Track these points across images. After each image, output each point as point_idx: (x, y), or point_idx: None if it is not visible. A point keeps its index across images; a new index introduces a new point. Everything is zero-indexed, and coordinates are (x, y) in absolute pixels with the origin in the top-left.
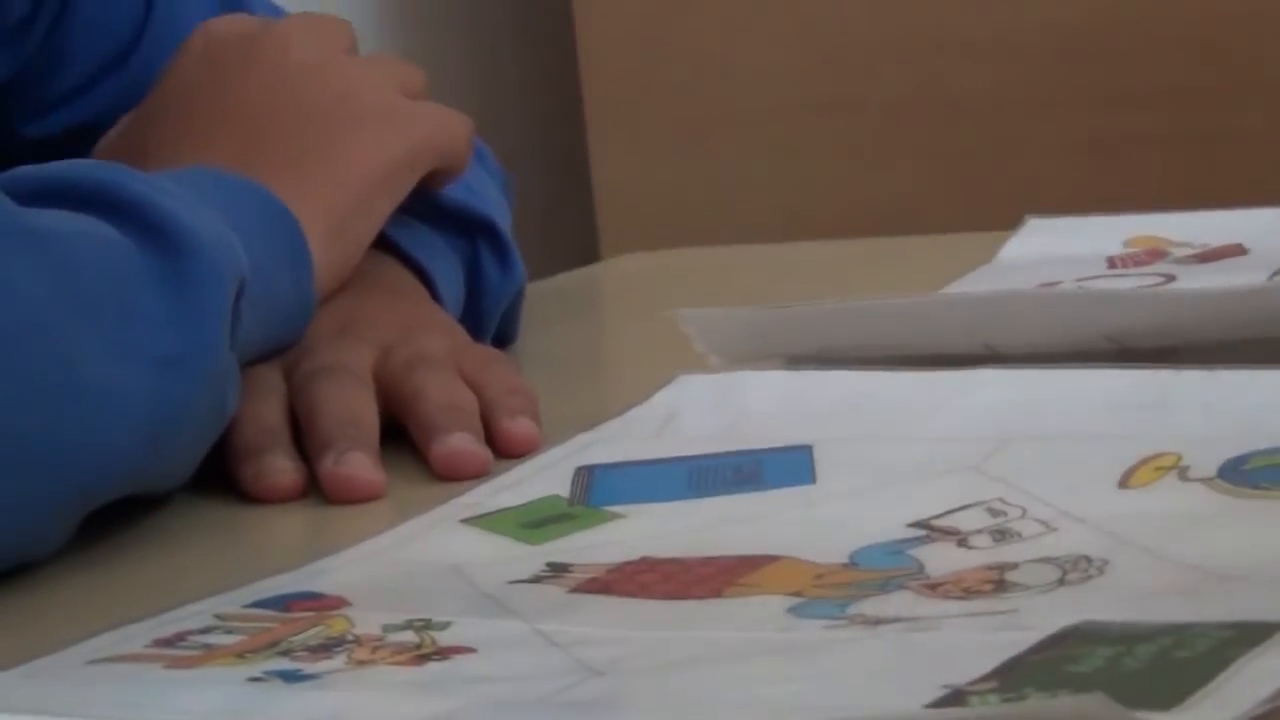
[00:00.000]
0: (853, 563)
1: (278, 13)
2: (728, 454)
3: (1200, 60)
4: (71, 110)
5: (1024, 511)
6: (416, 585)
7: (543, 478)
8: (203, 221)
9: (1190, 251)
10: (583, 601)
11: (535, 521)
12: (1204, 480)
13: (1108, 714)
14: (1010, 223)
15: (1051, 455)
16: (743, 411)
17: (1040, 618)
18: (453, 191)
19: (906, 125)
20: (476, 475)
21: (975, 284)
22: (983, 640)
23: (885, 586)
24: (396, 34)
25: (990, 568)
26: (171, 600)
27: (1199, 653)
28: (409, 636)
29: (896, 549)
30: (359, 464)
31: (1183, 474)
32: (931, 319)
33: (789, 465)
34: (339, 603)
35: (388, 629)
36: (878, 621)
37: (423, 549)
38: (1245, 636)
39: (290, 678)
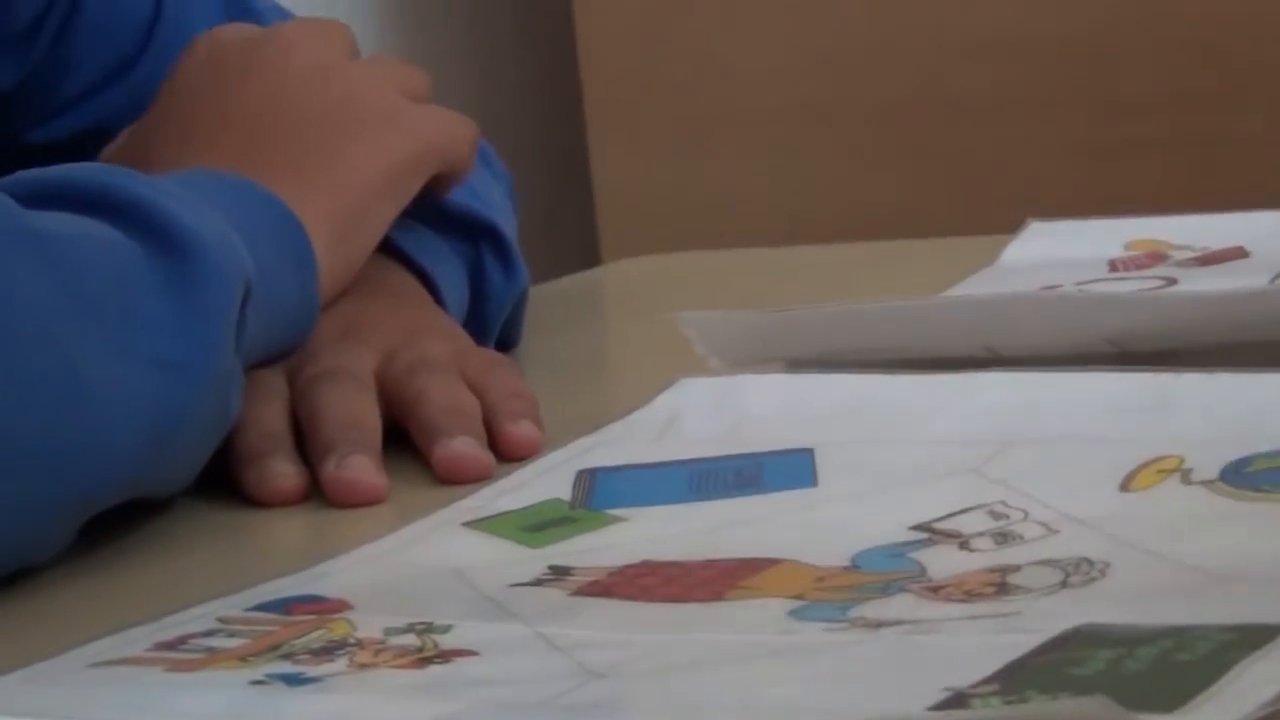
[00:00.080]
0: (854, 565)
1: (284, 17)
2: (729, 457)
3: (1201, 63)
4: (77, 116)
5: (1026, 514)
6: (418, 588)
7: (544, 481)
8: (207, 224)
9: (1191, 255)
10: (584, 604)
11: (537, 525)
12: (1205, 483)
13: (1109, 716)
14: (1011, 226)
15: (1053, 458)
16: (744, 415)
17: (1042, 620)
18: (456, 195)
19: (907, 128)
20: (478, 479)
21: (976, 287)
22: (984, 643)
23: (887, 589)
24: (397, 35)
25: (992, 570)
26: (173, 603)
27: (1200, 655)
28: (411, 639)
29: (898, 552)
30: (361, 467)
31: (1184, 477)
32: (932, 322)
33: (790, 468)
34: (341, 606)
35: (389, 632)
36: (879, 624)
37: (424, 552)
38: (1246, 639)
39: (292, 681)
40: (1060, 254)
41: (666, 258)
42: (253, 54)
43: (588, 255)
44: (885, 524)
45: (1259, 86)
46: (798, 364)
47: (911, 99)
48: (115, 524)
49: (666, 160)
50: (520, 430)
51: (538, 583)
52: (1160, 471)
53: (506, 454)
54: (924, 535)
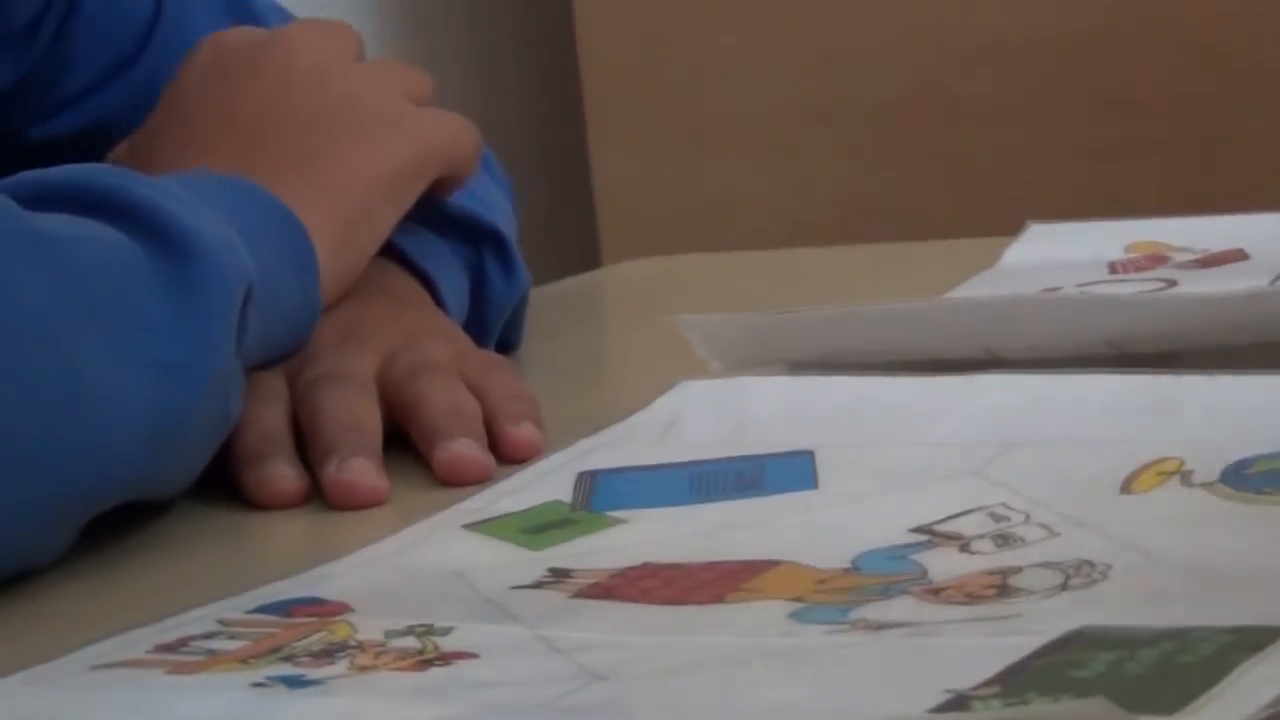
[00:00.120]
0: (855, 568)
1: (285, 17)
2: (730, 459)
3: (1201, 65)
4: (77, 113)
5: (1026, 516)
6: (419, 591)
7: (545, 483)
8: (208, 225)
9: (1191, 256)
10: (585, 607)
11: (537, 527)
12: (1206, 485)
13: (1110, 718)
14: (1012, 228)
15: (1054, 460)
16: (744, 417)
17: (1043, 622)
18: (458, 198)
19: (909, 130)
20: (479, 480)
21: (977, 289)
22: (985, 645)
23: (887, 591)
24: (397, 37)
25: (993, 573)
26: (174, 606)
27: (1201, 657)
28: (411, 642)
29: (899, 554)
30: (361, 470)
31: (1185, 479)
32: (933, 324)
33: (791, 470)
34: (341, 608)
35: (390, 634)
36: (880, 626)
37: (425, 554)
38: (1247, 641)
39: (293, 683)
40: (1060, 256)
41: (667, 260)
42: (256, 56)
43: (588, 257)
44: (886, 526)
45: (1259, 88)
46: (798, 366)
47: (913, 101)
48: (115, 526)
49: (667, 162)
50: (521, 432)
51: (538, 585)
52: (1161, 473)
53: (507, 456)
54: (925, 537)
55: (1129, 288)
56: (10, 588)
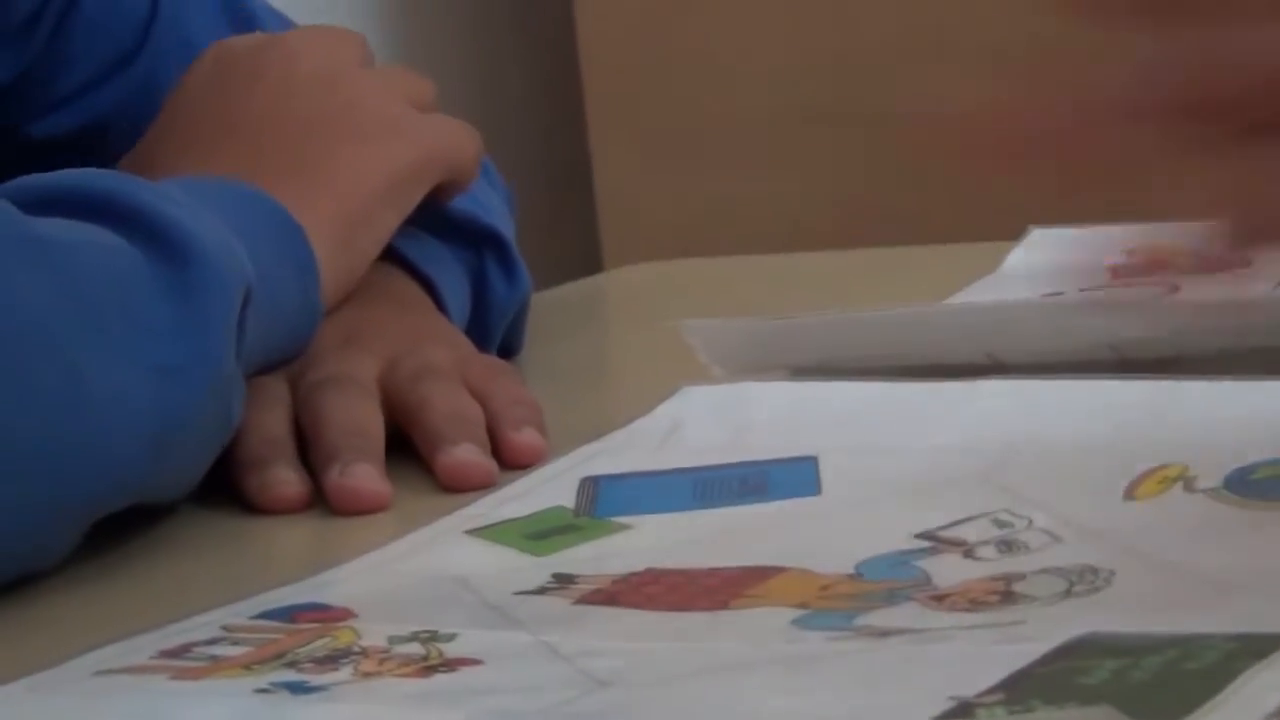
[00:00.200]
0: (858, 574)
1: (283, 20)
2: (733, 465)
3: None
4: (74, 111)
5: (1030, 522)
6: (422, 597)
7: (548, 489)
8: (208, 229)
9: (1193, 261)
10: (588, 613)
11: (540, 533)
12: (1209, 491)
13: None
14: (1013, 233)
15: (1057, 466)
16: (747, 422)
17: (1047, 629)
18: (459, 203)
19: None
20: (482, 486)
21: (978, 294)
22: (990, 652)
23: (891, 598)
24: (398, 43)
25: (996, 579)
26: (177, 611)
27: (1206, 664)
28: (415, 648)
29: (902, 560)
30: (364, 475)
31: (1188, 485)
32: (935, 329)
33: (794, 476)
34: (345, 614)
35: (394, 640)
36: (884, 633)
37: (428, 560)
38: (1251, 648)
39: (297, 689)
40: (1062, 261)
41: (668, 264)
42: (257, 61)
43: (589, 262)
44: (889, 532)
45: None
46: (801, 371)
47: (906, 97)
48: (117, 530)
49: (668, 167)
50: (523, 438)
51: (542, 591)
52: (1164, 480)
53: (510, 461)
54: (928, 543)
55: (1131, 293)
56: (12, 592)
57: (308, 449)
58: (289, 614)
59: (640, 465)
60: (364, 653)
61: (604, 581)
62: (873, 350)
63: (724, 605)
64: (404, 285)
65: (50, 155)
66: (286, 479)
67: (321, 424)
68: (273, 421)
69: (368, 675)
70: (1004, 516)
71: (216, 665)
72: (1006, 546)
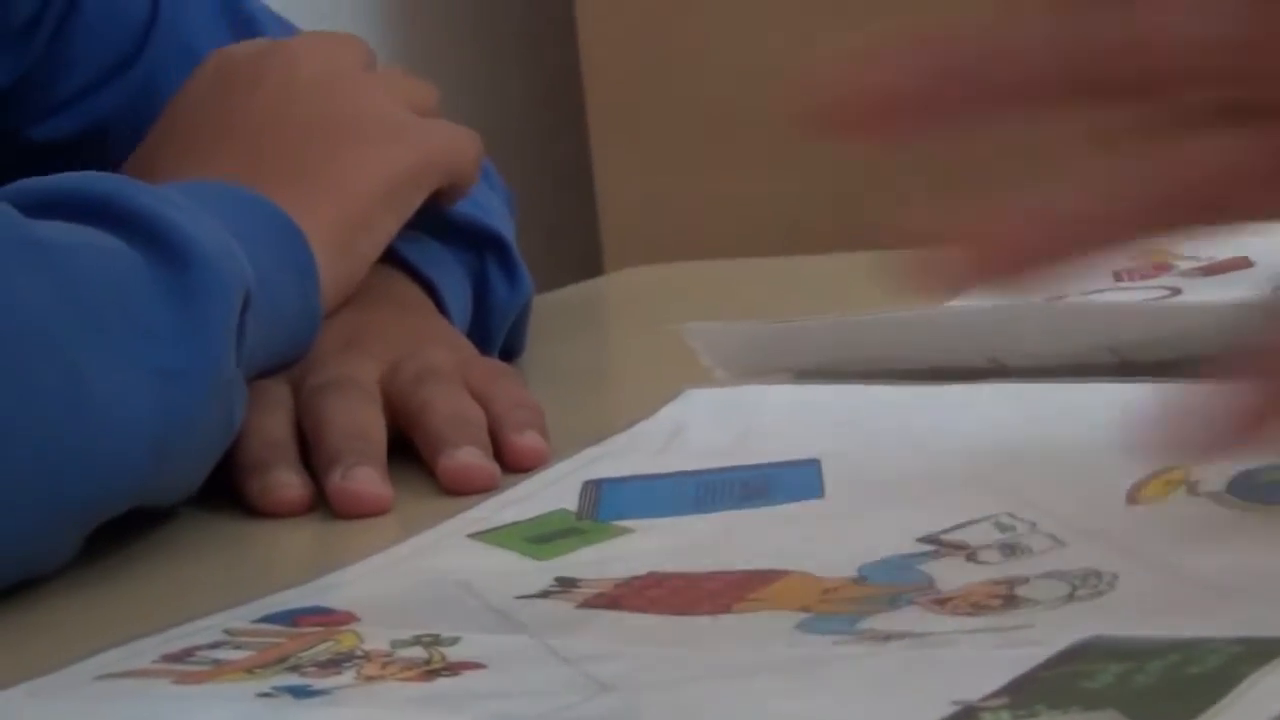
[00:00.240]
0: (862, 577)
1: (284, 24)
2: (735, 468)
3: None
4: (74, 115)
5: (1033, 526)
6: (424, 600)
7: (550, 492)
8: (208, 233)
9: (1195, 265)
10: (591, 617)
11: (543, 536)
12: (1213, 495)
13: None
14: None
15: (1060, 469)
16: (750, 426)
17: (1050, 633)
18: (460, 206)
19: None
20: (484, 489)
21: (980, 297)
22: (994, 656)
23: (894, 602)
24: (400, 47)
25: (999, 582)
26: (179, 615)
27: (1209, 669)
28: (418, 652)
29: (905, 564)
30: (366, 478)
31: (1192, 488)
32: (936, 332)
33: (797, 480)
34: (347, 618)
35: (396, 644)
36: (887, 637)
37: (430, 564)
38: (1255, 652)
39: (300, 693)
40: None
41: (669, 267)
42: (258, 66)
43: (590, 265)
44: (892, 536)
45: None
46: (803, 375)
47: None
48: (119, 534)
49: (669, 170)
50: (526, 441)
51: (544, 594)
52: (1167, 483)
53: (512, 464)
54: (931, 547)
55: (1133, 295)
56: (13, 596)
57: (309, 452)
58: (291, 618)
59: (643, 468)
60: (366, 656)
61: (607, 585)
62: (875, 353)
63: (727, 609)
64: (405, 288)
65: (50, 159)
66: (288, 482)
67: (323, 427)
68: (274, 425)
69: (370, 679)
70: (1006, 520)
71: (219, 669)
72: (1009, 550)
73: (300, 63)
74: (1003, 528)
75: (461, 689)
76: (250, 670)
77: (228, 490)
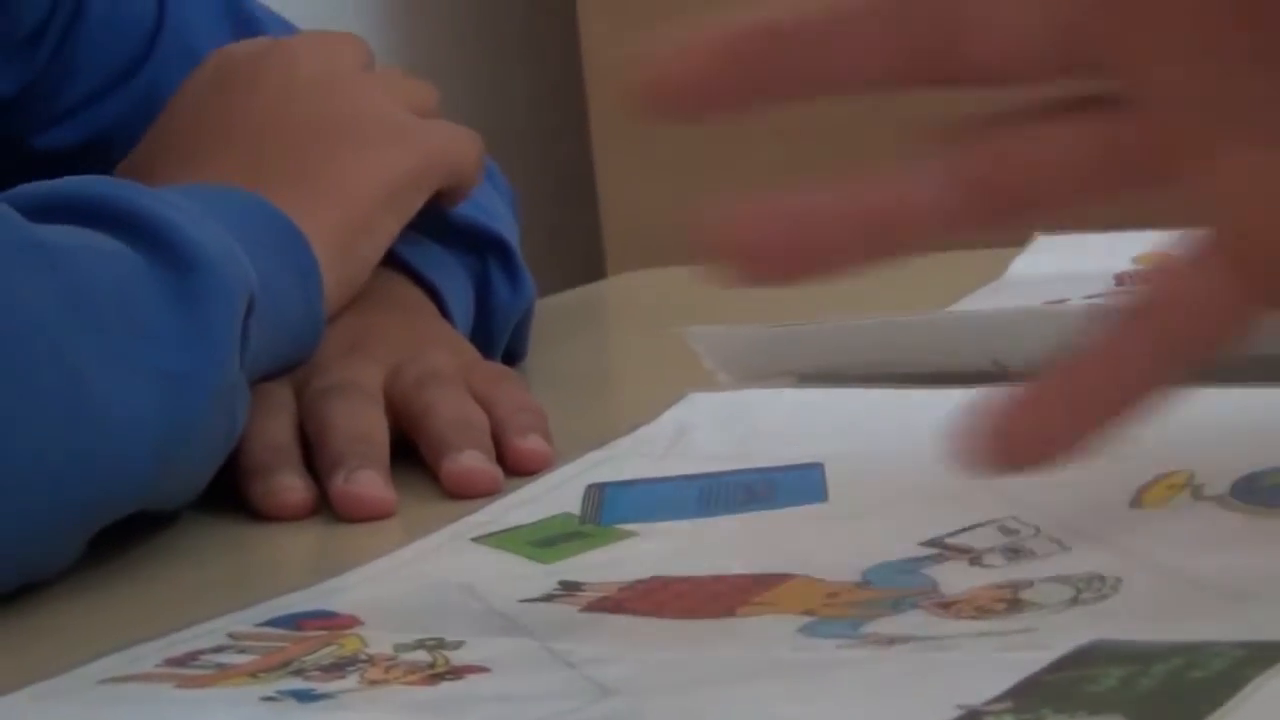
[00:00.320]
0: (865, 581)
1: (288, 29)
2: (739, 472)
3: None
4: (79, 123)
5: (1037, 530)
6: (428, 604)
7: (554, 496)
8: (211, 236)
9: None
10: (595, 620)
11: (546, 540)
12: (1217, 498)
13: None
14: (1019, 239)
15: (1063, 473)
16: (753, 429)
17: (1055, 637)
18: (462, 208)
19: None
20: (487, 493)
21: (983, 301)
22: (998, 659)
23: (898, 605)
24: (402, 49)
25: (1003, 586)
26: (182, 619)
27: (1213, 672)
28: (422, 656)
29: (909, 568)
30: (369, 482)
31: (1196, 492)
32: (939, 336)
33: (800, 483)
34: (351, 622)
35: (400, 648)
36: (891, 641)
37: (434, 567)
38: (1260, 656)
39: (304, 697)
40: (1068, 267)
41: (672, 271)
42: (258, 66)
43: (592, 268)
44: (896, 539)
45: None
46: (806, 378)
47: (918, 111)
48: (121, 538)
49: (672, 176)
50: (529, 444)
51: (548, 598)
52: (1171, 487)
53: (515, 468)
54: (935, 551)
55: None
56: (16, 600)
57: (313, 456)
58: (295, 621)
59: (646, 472)
60: (370, 660)
61: (611, 589)
62: (878, 356)
63: (731, 612)
64: (407, 291)
65: (54, 168)
66: (291, 486)
67: (326, 431)
68: (277, 428)
69: (374, 683)
70: (1010, 524)
71: (222, 673)
72: (1013, 554)
73: (299, 63)
74: (1007, 531)
75: (465, 692)
76: (254, 674)
77: (231, 494)
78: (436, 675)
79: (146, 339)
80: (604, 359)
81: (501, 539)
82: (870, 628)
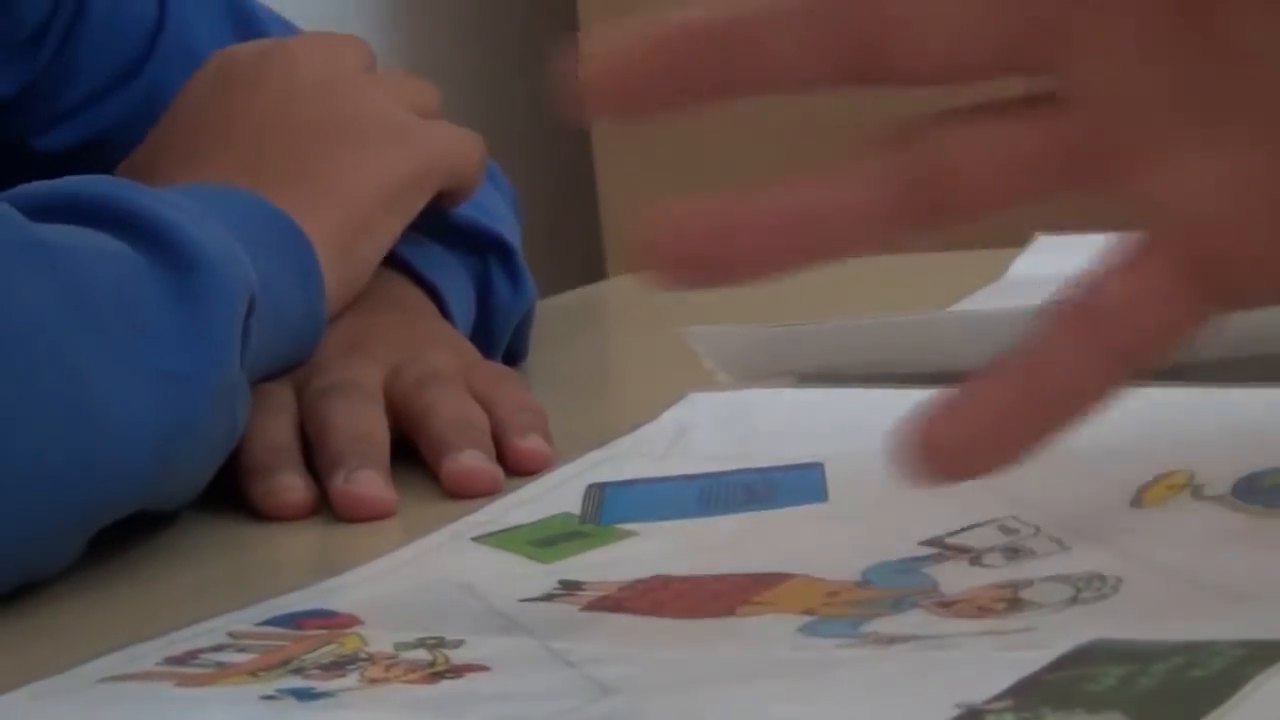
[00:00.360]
0: (865, 581)
1: (290, 30)
2: (739, 471)
3: None
4: (79, 124)
5: (1037, 529)
6: (428, 603)
7: (554, 495)
8: (211, 236)
9: None
10: (595, 619)
11: (547, 539)
12: (1217, 498)
13: None
14: (1019, 240)
15: (1063, 472)
16: (753, 429)
17: (1054, 636)
18: (464, 209)
19: None
20: (487, 493)
21: (984, 301)
22: (997, 658)
23: (898, 605)
24: (403, 50)
25: (1003, 586)
26: (182, 618)
27: (1213, 672)
28: (422, 654)
29: (909, 567)
30: (370, 481)
31: (1196, 492)
32: (940, 336)
33: (800, 483)
34: (351, 621)
35: (400, 647)
36: (891, 640)
37: (434, 567)
38: (1259, 655)
39: (304, 696)
40: (1068, 268)
41: None
42: (260, 67)
43: (592, 269)
44: (896, 539)
45: None
46: (807, 378)
47: (917, 110)
48: (122, 537)
49: (671, 174)
50: (529, 444)
51: (548, 597)
52: (1171, 486)
53: (516, 468)
54: (935, 550)
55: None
56: (16, 600)
57: (313, 456)
58: (295, 620)
59: (646, 472)
60: (370, 659)
61: (611, 588)
62: (879, 357)
63: (731, 612)
64: (408, 291)
65: (54, 169)
66: (292, 485)
67: (326, 430)
68: (278, 428)
69: (374, 682)
70: (1010, 523)
71: (222, 672)
72: (1013, 553)
73: (300, 63)
74: (1007, 531)
75: (465, 691)
76: (254, 673)
77: (231, 494)
78: (437, 674)
79: (147, 339)
80: (604, 359)
81: (501, 539)
82: (870, 627)
